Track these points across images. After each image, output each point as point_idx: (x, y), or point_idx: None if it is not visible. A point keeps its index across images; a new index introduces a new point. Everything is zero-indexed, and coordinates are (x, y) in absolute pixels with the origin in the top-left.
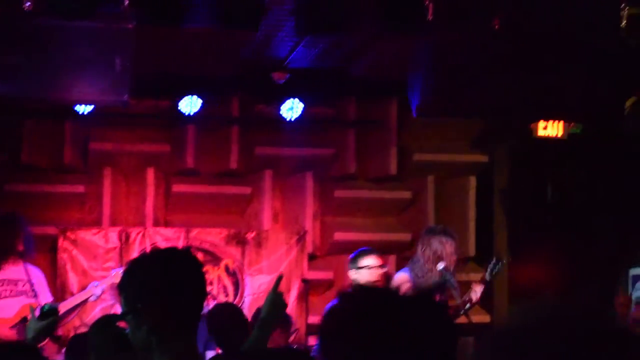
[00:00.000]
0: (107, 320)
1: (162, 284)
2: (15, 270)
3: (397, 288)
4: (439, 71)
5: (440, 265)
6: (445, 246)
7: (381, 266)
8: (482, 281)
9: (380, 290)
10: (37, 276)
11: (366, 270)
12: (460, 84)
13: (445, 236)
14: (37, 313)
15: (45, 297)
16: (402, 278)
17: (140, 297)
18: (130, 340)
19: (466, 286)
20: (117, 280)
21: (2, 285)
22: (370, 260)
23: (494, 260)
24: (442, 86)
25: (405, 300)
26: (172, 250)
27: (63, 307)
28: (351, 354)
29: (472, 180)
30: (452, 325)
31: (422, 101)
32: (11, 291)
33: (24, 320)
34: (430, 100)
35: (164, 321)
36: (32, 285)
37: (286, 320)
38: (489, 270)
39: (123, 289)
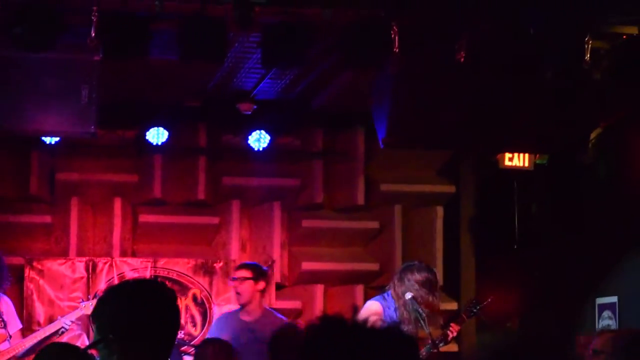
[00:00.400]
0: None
1: (135, 315)
2: None
3: (366, 319)
4: (404, 102)
5: (408, 295)
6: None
7: None
8: (460, 321)
9: (349, 322)
10: (7, 305)
11: None
12: (426, 115)
13: (422, 273)
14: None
15: (15, 326)
16: (372, 308)
17: (112, 327)
18: None
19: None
20: (86, 312)
21: None
22: None
23: (473, 301)
24: (407, 117)
25: (373, 333)
26: (146, 282)
27: (31, 340)
28: None
29: (440, 210)
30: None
31: (388, 132)
32: None
33: None
34: (396, 131)
35: (135, 352)
36: (0, 314)
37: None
38: (467, 310)
39: (95, 317)
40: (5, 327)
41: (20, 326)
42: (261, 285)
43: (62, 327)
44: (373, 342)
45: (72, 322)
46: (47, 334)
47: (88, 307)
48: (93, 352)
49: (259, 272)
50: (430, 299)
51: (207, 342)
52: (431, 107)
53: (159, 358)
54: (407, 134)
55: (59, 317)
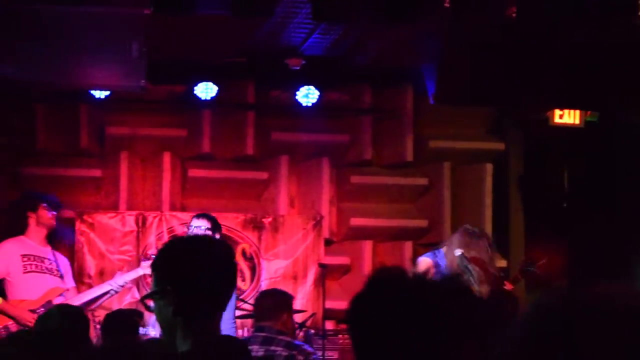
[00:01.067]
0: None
1: (194, 268)
2: (42, 250)
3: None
4: (454, 58)
5: (458, 252)
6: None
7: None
8: (514, 280)
9: (410, 275)
10: (64, 262)
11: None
12: (476, 71)
13: (477, 238)
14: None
15: (70, 282)
16: (423, 264)
17: (169, 279)
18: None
19: None
20: (145, 272)
21: (28, 260)
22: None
23: (528, 260)
24: (457, 73)
25: (436, 286)
26: (208, 238)
27: (75, 302)
28: (379, 341)
29: (489, 168)
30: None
31: (438, 88)
32: (37, 266)
33: (49, 304)
34: (446, 87)
35: (190, 305)
36: (58, 266)
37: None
38: (523, 269)
39: (155, 268)
40: (62, 277)
41: (73, 285)
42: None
43: (112, 291)
44: (433, 293)
45: (125, 283)
46: (100, 292)
47: (146, 267)
48: (149, 301)
49: (216, 224)
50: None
51: (266, 294)
52: (482, 63)
53: (214, 312)
54: (457, 89)
55: (118, 272)
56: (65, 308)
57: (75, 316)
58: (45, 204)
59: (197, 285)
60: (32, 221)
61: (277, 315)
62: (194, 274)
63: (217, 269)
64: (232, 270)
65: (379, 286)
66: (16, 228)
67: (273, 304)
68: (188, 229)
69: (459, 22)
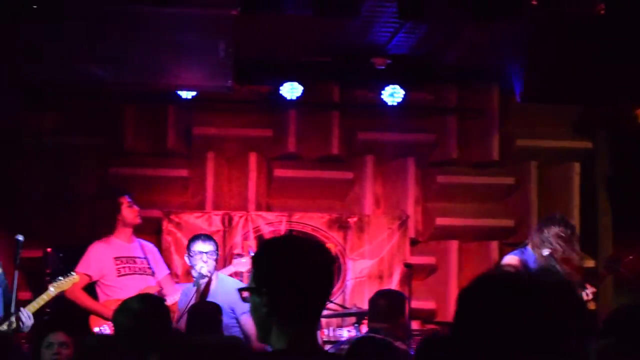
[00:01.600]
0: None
1: (287, 274)
2: (131, 248)
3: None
4: (542, 56)
5: (546, 251)
6: (559, 237)
7: None
8: (599, 280)
9: (516, 274)
10: (152, 252)
11: None
12: (564, 69)
13: (561, 226)
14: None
15: (161, 272)
16: (511, 262)
17: (265, 280)
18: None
19: None
20: (239, 268)
21: (122, 262)
22: None
23: (614, 257)
24: (545, 71)
25: (541, 284)
26: (307, 240)
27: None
28: (488, 338)
29: (576, 167)
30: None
31: (526, 86)
32: (130, 269)
33: None
34: (534, 85)
35: (283, 308)
36: (148, 262)
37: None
38: (608, 266)
39: (254, 263)
40: (153, 274)
41: (168, 271)
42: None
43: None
44: (543, 293)
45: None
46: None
47: (241, 263)
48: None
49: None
50: (568, 253)
51: (381, 294)
52: (569, 60)
53: (310, 315)
54: (544, 87)
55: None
56: (142, 296)
57: (155, 302)
58: (126, 203)
59: (290, 290)
60: (119, 223)
61: (393, 318)
62: (288, 280)
63: (312, 274)
64: (328, 275)
65: (489, 282)
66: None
67: (388, 305)
68: (191, 253)
69: (546, 20)
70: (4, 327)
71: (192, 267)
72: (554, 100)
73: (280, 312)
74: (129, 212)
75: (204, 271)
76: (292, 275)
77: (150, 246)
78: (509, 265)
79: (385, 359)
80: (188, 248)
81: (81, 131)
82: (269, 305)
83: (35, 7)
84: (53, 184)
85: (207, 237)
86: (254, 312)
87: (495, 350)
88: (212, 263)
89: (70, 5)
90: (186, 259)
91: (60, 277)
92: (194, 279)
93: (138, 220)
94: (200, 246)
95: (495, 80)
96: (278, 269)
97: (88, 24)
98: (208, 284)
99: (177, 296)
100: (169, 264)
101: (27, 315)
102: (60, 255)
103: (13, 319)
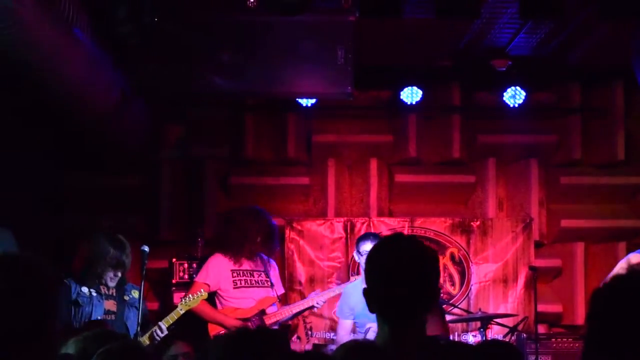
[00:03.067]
0: None
1: (378, 266)
2: (252, 261)
3: None
4: None
5: None
6: None
7: None
8: None
9: None
10: (273, 267)
11: None
12: None
13: None
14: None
15: (279, 289)
16: (632, 259)
17: (366, 277)
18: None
19: None
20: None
21: (239, 275)
22: None
23: None
24: None
25: None
26: (406, 238)
27: (286, 312)
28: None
29: None
30: None
31: None
32: (246, 281)
33: (262, 312)
34: None
35: (377, 303)
36: (268, 275)
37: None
38: None
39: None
40: (272, 286)
41: (283, 291)
42: None
43: (315, 306)
44: None
45: (324, 301)
46: (301, 309)
47: (341, 290)
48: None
49: None
50: None
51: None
52: None
53: (403, 315)
54: None
55: (311, 293)
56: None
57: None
58: (258, 231)
59: (379, 285)
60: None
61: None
62: (376, 274)
63: (400, 268)
64: (421, 270)
65: (624, 281)
66: (230, 242)
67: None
68: (359, 254)
69: None
70: (146, 340)
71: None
72: None
73: (376, 308)
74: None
75: None
76: (379, 269)
77: (272, 262)
78: (635, 260)
79: None
80: (357, 246)
81: (204, 142)
82: (367, 301)
83: (156, 19)
84: (179, 195)
85: (376, 237)
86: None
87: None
88: None
89: (191, 17)
90: (355, 256)
91: (189, 296)
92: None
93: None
94: (368, 246)
95: (619, 77)
96: (369, 264)
97: (209, 35)
98: None
99: (284, 313)
100: (291, 272)
101: (162, 329)
102: (186, 266)
103: (154, 332)
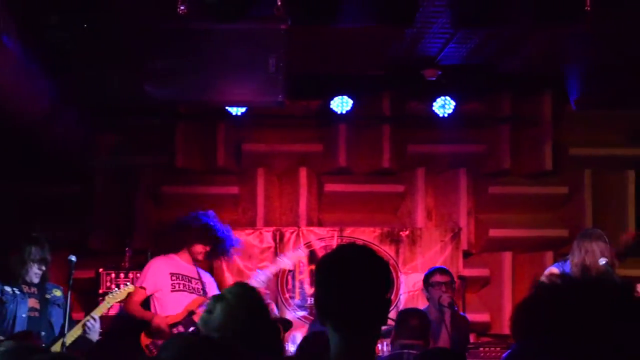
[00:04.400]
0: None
1: (322, 282)
2: (189, 268)
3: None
4: (597, 62)
5: (603, 261)
6: (594, 252)
7: None
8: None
9: (577, 279)
10: (210, 281)
11: None
12: (620, 74)
13: (596, 241)
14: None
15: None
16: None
17: (315, 291)
18: None
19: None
20: (284, 267)
21: (177, 279)
22: None
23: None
24: (600, 77)
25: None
26: (356, 247)
27: None
28: (547, 341)
29: (631, 175)
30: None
31: (581, 93)
32: (184, 286)
33: (192, 313)
34: (589, 91)
35: (328, 315)
36: (203, 285)
37: None
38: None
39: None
40: (206, 295)
41: None
42: None
43: (257, 282)
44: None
45: (267, 277)
46: (272, 272)
47: (284, 262)
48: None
49: None
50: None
51: (411, 314)
52: (625, 66)
53: (354, 328)
54: (600, 94)
55: (257, 270)
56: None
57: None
58: (201, 244)
59: (329, 300)
60: (184, 250)
61: (426, 337)
62: (325, 285)
63: (350, 278)
64: (373, 281)
65: (547, 291)
66: (169, 248)
67: (420, 324)
68: None
69: (602, 25)
70: (57, 347)
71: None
72: (610, 106)
73: (327, 320)
74: (198, 250)
75: None
76: (329, 280)
77: (208, 276)
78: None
79: None
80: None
81: (137, 151)
82: (317, 312)
83: (88, 27)
84: (109, 204)
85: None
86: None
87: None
88: None
89: (123, 24)
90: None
91: (116, 289)
92: None
93: (201, 259)
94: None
95: (548, 88)
96: (318, 275)
97: (141, 42)
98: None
99: None
100: (220, 282)
101: (95, 318)
102: (113, 276)
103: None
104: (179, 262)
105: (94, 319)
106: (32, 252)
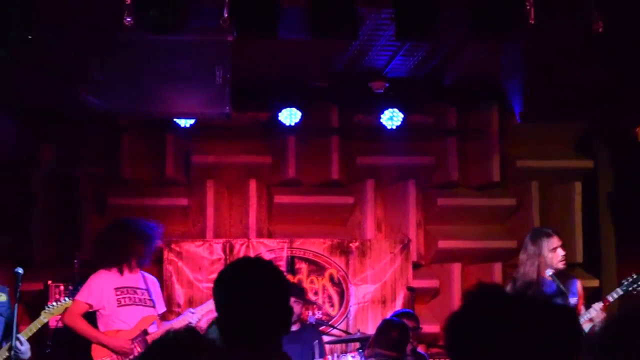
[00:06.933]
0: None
1: (234, 295)
2: (133, 278)
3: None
4: (540, 74)
5: (549, 272)
6: (547, 248)
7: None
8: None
9: (506, 293)
10: (154, 285)
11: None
12: (562, 87)
13: (548, 238)
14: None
15: (160, 308)
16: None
17: (218, 305)
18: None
19: None
20: (190, 321)
21: (122, 293)
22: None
23: (633, 277)
24: (543, 90)
25: (533, 304)
26: (255, 262)
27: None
28: (476, 354)
29: (578, 186)
30: (579, 329)
31: (526, 107)
32: (130, 299)
33: (145, 333)
34: (533, 104)
35: (234, 332)
36: (149, 294)
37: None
38: (626, 288)
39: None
40: (154, 306)
41: (164, 309)
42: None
43: (191, 321)
44: (536, 313)
45: (199, 317)
46: (178, 327)
47: (191, 316)
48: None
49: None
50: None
51: (392, 326)
52: (569, 79)
53: (267, 338)
54: (544, 106)
55: (188, 309)
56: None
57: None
58: (136, 241)
59: (241, 312)
60: (126, 259)
61: (402, 350)
62: (234, 301)
63: (261, 294)
64: (273, 298)
65: (477, 304)
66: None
67: (399, 338)
68: None
69: (545, 39)
70: (5, 352)
71: None
72: (554, 119)
73: (232, 337)
74: (143, 255)
75: None
76: (232, 295)
77: (153, 279)
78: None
79: None
80: None
81: (79, 161)
82: (220, 330)
83: (30, 37)
84: (53, 215)
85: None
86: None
87: None
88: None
89: (64, 33)
90: None
91: (52, 304)
92: None
93: (145, 260)
94: None
95: (494, 100)
96: (220, 290)
97: (83, 52)
98: None
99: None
100: (170, 293)
101: (21, 341)
102: (62, 287)
103: (6, 350)
104: (122, 274)
105: (20, 341)
106: None
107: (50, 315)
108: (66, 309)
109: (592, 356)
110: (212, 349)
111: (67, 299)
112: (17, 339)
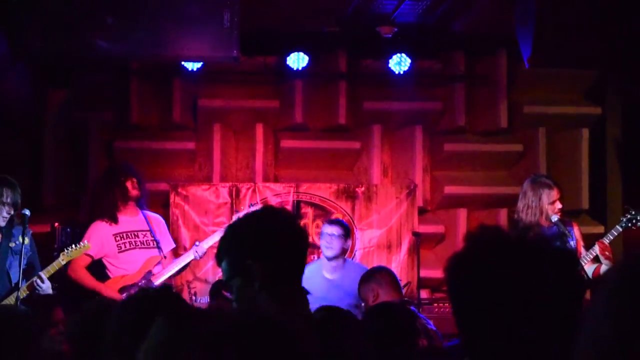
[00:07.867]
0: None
1: (274, 239)
2: (134, 221)
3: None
4: (550, 20)
5: (555, 218)
6: (547, 201)
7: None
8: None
9: (509, 235)
10: (158, 224)
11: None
12: (572, 33)
13: (549, 190)
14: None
15: (167, 245)
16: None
17: (251, 254)
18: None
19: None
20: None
21: (122, 238)
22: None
23: (631, 212)
24: (553, 35)
25: (534, 245)
26: (275, 209)
27: (169, 270)
28: (478, 298)
29: (585, 133)
30: (580, 275)
31: (534, 51)
32: (130, 243)
33: (149, 274)
34: (542, 50)
35: (275, 276)
36: (152, 234)
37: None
38: (627, 221)
39: (224, 253)
40: (158, 247)
41: (173, 245)
42: (349, 243)
43: (197, 254)
44: (535, 254)
45: (205, 250)
46: (184, 263)
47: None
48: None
49: (348, 231)
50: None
51: (381, 271)
52: (578, 25)
53: (296, 280)
54: (552, 52)
55: (196, 242)
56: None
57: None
58: (125, 177)
59: (280, 256)
60: (121, 202)
61: (400, 292)
62: (276, 245)
63: (294, 237)
64: (305, 237)
65: (479, 246)
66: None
67: (393, 279)
68: (320, 235)
69: None
70: (11, 299)
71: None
72: (562, 65)
73: (273, 281)
74: (133, 190)
75: (328, 253)
76: (277, 241)
77: (156, 218)
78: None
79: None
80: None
81: (89, 106)
82: (260, 277)
83: None
84: (61, 159)
85: (335, 221)
86: (241, 293)
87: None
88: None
89: None
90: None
91: (72, 246)
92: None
93: (137, 192)
94: (326, 228)
95: (503, 46)
96: (262, 238)
97: None
98: None
99: (169, 270)
100: (176, 237)
101: (42, 279)
102: (68, 230)
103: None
104: (122, 219)
105: (41, 279)
106: (4, 194)
107: (68, 257)
108: (83, 270)
109: (606, 295)
110: (173, 312)
111: (86, 242)
112: (39, 276)
